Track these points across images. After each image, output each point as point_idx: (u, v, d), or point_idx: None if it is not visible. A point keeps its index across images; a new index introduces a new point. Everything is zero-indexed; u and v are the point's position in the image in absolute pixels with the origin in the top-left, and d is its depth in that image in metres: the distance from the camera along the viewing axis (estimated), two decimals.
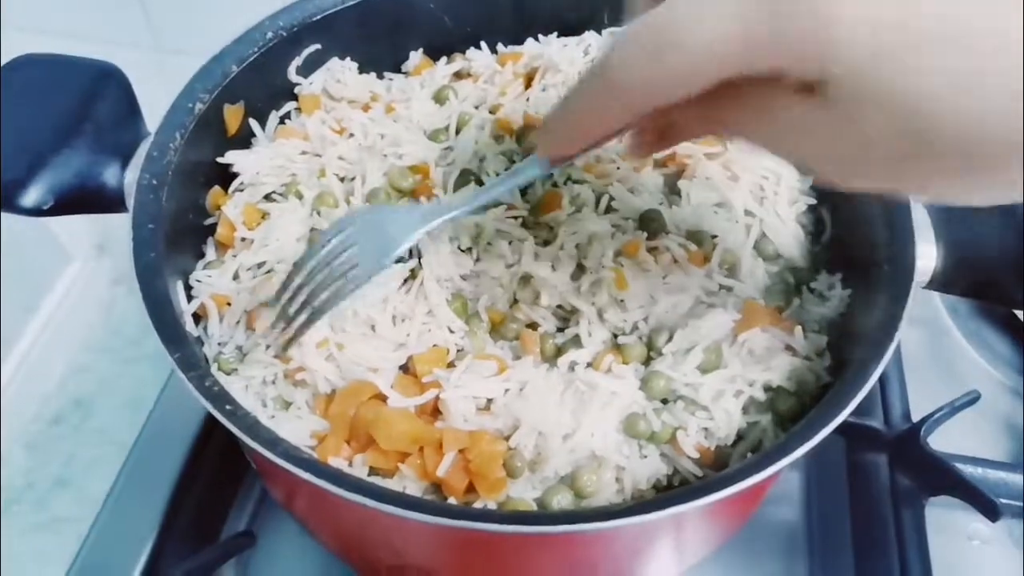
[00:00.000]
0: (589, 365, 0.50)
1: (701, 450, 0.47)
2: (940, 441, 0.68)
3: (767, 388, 0.49)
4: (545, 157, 0.43)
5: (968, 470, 0.67)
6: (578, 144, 0.39)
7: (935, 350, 0.82)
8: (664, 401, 0.49)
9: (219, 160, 0.58)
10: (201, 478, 0.65)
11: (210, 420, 0.67)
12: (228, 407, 0.41)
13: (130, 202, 0.52)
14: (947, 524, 0.69)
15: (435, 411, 0.49)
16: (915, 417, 0.70)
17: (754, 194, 0.57)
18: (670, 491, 0.44)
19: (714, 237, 0.55)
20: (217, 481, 0.66)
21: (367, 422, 0.46)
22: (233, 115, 0.58)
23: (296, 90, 0.63)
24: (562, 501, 0.45)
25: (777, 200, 0.57)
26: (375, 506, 0.37)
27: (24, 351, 2.10)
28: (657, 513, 0.38)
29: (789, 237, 0.56)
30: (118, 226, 1.87)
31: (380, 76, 0.68)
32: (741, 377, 0.48)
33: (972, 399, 0.68)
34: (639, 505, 0.38)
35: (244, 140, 0.61)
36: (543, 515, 0.43)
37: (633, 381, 0.49)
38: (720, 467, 0.48)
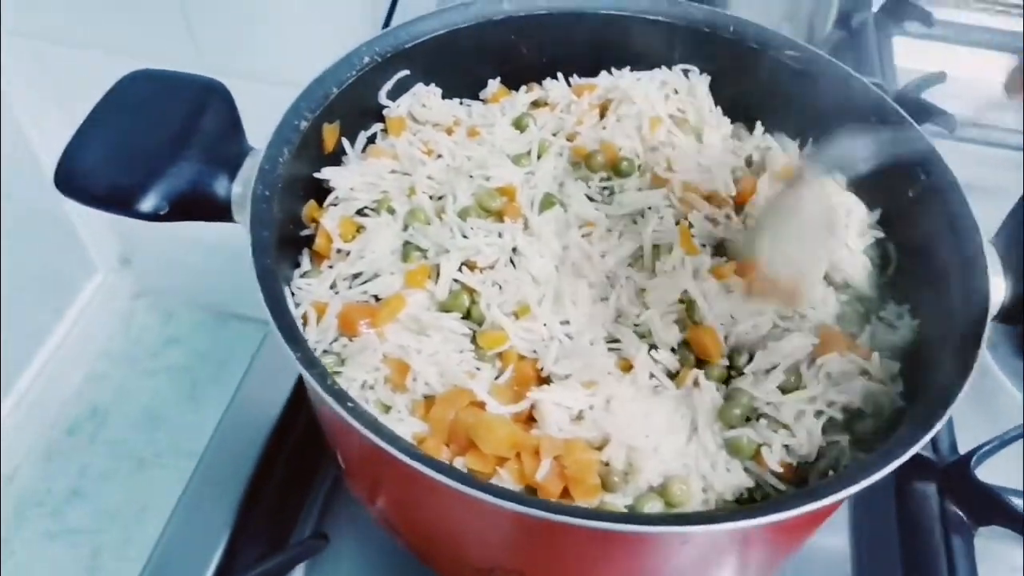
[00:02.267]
0: (673, 378, 0.53)
1: (783, 465, 0.50)
2: (982, 474, 0.70)
3: (845, 410, 0.51)
4: None
5: (1015, 502, 0.69)
6: None
7: (975, 386, 0.84)
8: (748, 419, 0.51)
9: (315, 176, 0.61)
10: (273, 481, 0.66)
11: (282, 423, 0.69)
12: (350, 404, 0.43)
13: (239, 212, 0.55)
14: (991, 555, 0.70)
15: (529, 419, 0.51)
16: (960, 449, 0.72)
17: None
18: (766, 500, 0.46)
19: None
20: (288, 483, 0.67)
21: (468, 426, 0.48)
22: (331, 133, 0.61)
23: (384, 112, 0.67)
24: (653, 508, 0.47)
25: (847, 232, 0.59)
26: (503, 505, 0.39)
27: (45, 358, 2.12)
28: (759, 519, 0.40)
29: (858, 268, 0.59)
30: (144, 239, 1.91)
31: (460, 102, 0.71)
32: (821, 398, 0.51)
33: (1020, 434, 0.71)
34: (746, 511, 0.40)
35: (335, 158, 0.64)
36: (659, 516, 0.45)
37: (716, 396, 0.52)
38: (799, 483, 0.50)
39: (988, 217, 0.59)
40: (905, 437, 0.44)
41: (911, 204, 0.59)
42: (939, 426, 0.44)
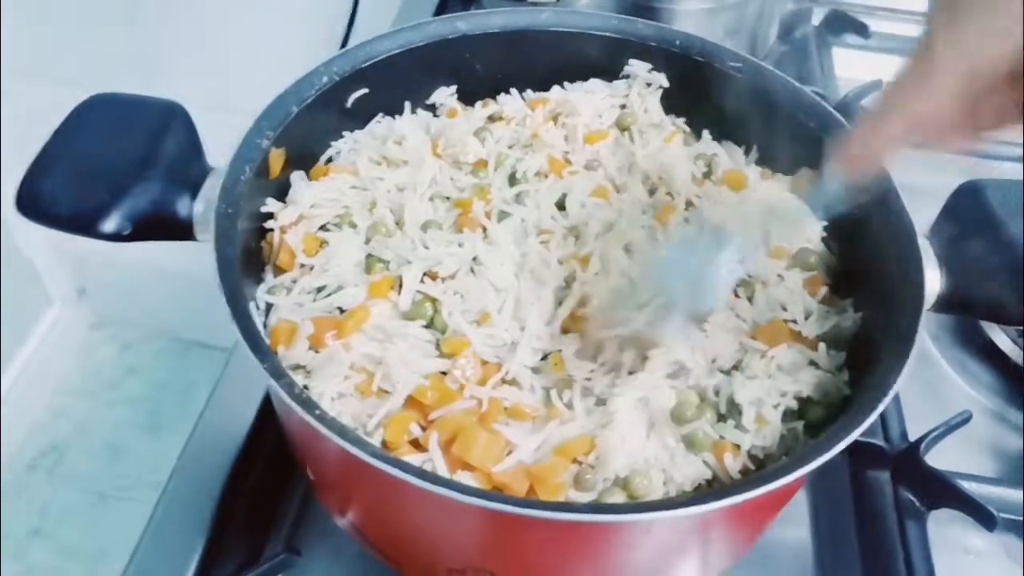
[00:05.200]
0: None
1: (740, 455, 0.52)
2: (932, 460, 0.73)
3: (796, 398, 0.54)
4: (841, 171, 0.46)
5: (964, 485, 0.72)
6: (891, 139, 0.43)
7: (921, 376, 0.88)
8: (722, 418, 0.53)
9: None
10: (243, 499, 0.67)
11: (249, 442, 0.70)
12: (318, 412, 0.45)
13: (201, 230, 0.56)
14: (944, 539, 0.73)
15: None
16: (910, 437, 0.76)
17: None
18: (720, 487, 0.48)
19: None
20: (258, 501, 0.68)
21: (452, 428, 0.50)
22: (276, 159, 0.62)
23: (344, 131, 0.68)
24: (617, 502, 0.49)
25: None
26: (468, 501, 0.40)
27: (2, 393, 2.06)
28: (717, 503, 0.42)
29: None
30: (100, 269, 1.88)
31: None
32: (775, 389, 0.53)
33: (965, 419, 0.74)
34: (704, 496, 0.42)
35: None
36: (620, 505, 0.47)
37: (670, 395, 0.54)
38: (755, 469, 0.52)
39: (923, 214, 0.63)
40: (851, 421, 0.47)
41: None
42: (880, 409, 0.47)
